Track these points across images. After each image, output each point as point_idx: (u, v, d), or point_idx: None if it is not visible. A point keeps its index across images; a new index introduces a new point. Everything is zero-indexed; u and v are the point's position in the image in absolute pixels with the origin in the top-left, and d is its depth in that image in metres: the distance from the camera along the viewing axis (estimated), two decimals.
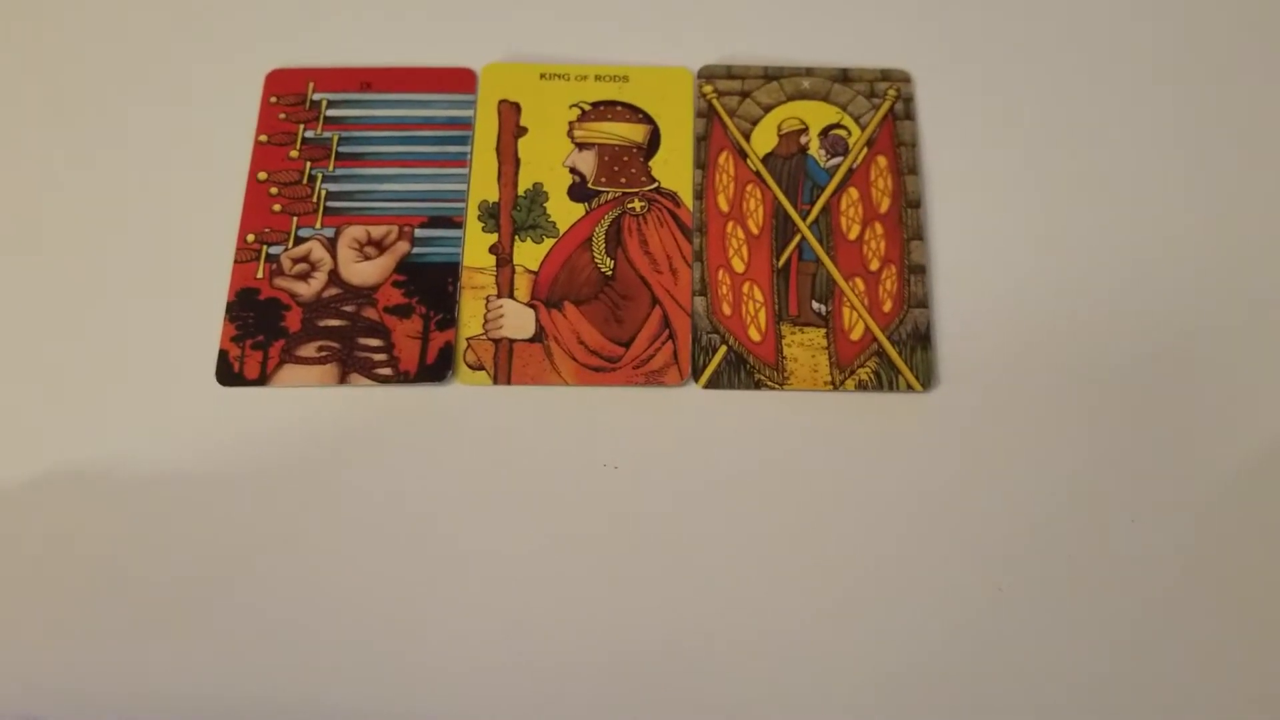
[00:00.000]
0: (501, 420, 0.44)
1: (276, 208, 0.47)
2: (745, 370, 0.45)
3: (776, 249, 0.47)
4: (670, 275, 0.47)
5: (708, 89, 0.50)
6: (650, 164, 0.49)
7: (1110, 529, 0.42)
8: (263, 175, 0.48)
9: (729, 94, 0.50)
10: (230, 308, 0.46)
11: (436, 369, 0.45)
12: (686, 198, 0.48)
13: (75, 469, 0.43)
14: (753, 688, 0.40)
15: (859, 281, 0.46)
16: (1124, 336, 0.46)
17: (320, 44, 0.51)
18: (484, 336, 0.45)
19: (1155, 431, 0.44)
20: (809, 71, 0.50)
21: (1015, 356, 0.45)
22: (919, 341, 0.45)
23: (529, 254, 0.47)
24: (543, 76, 0.50)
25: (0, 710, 0.40)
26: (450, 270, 0.46)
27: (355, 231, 0.47)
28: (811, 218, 0.47)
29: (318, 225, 0.47)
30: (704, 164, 0.49)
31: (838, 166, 0.48)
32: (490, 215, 0.47)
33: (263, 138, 0.49)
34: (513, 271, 0.46)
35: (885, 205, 0.48)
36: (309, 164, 0.48)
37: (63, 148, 0.49)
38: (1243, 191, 0.48)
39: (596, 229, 0.47)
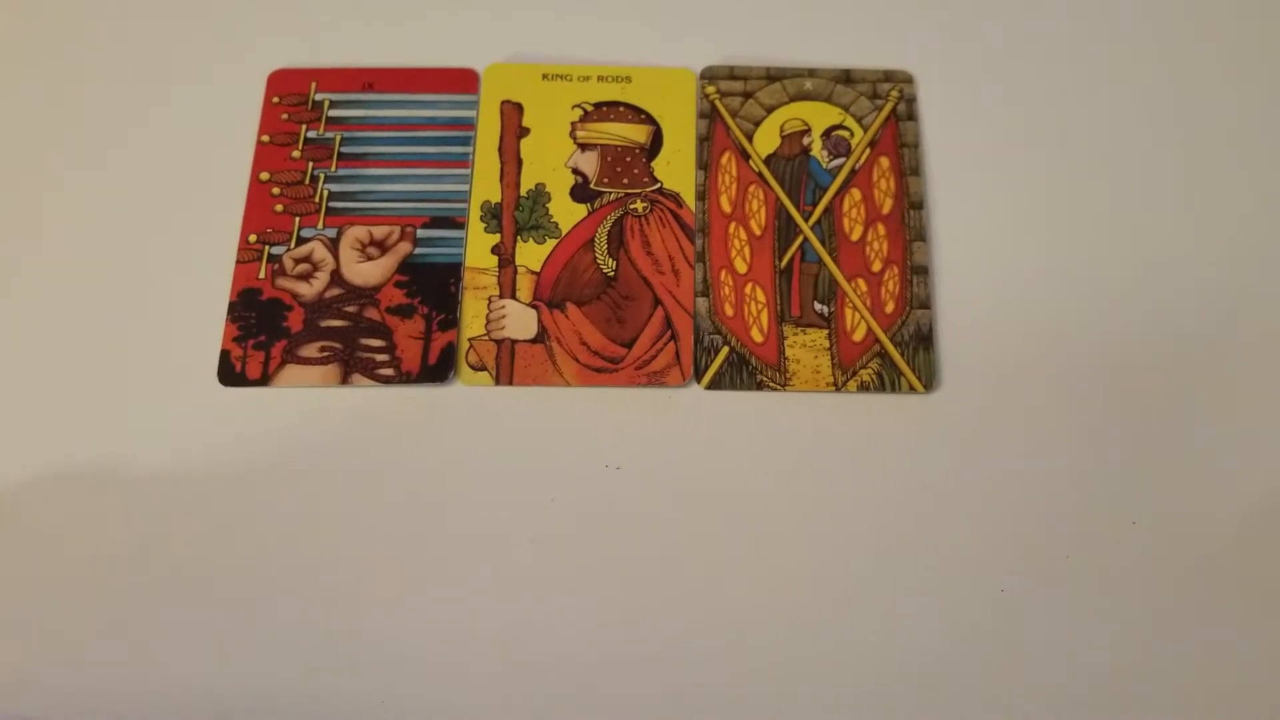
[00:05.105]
0: (504, 421, 0.44)
1: (279, 208, 0.47)
2: (747, 371, 0.45)
3: (779, 250, 0.47)
4: (673, 276, 0.46)
5: (710, 90, 0.50)
6: (653, 165, 0.49)
7: (1112, 531, 0.42)
8: (265, 175, 0.48)
9: (731, 95, 0.50)
10: (232, 308, 0.46)
11: (439, 369, 0.45)
12: (689, 198, 0.48)
13: (77, 469, 0.43)
14: (755, 688, 0.40)
15: (861, 282, 0.46)
16: (1127, 338, 0.46)
17: (323, 44, 0.51)
18: (486, 337, 0.45)
19: (1157, 433, 0.44)
20: (811, 72, 0.50)
21: (1018, 358, 0.45)
22: (921, 343, 0.45)
23: (531, 255, 0.47)
24: (545, 77, 0.50)
25: None
26: (452, 271, 0.46)
27: (357, 232, 0.47)
28: (814, 219, 0.47)
29: (320, 225, 0.47)
30: (706, 165, 0.49)
31: (840, 167, 0.48)
32: (493, 216, 0.47)
33: (265, 138, 0.49)
34: (515, 272, 0.46)
35: (888, 206, 0.48)
36: (311, 164, 0.48)
37: (65, 147, 0.49)
38: (1248, 194, 0.48)
39: (599, 230, 0.47)
